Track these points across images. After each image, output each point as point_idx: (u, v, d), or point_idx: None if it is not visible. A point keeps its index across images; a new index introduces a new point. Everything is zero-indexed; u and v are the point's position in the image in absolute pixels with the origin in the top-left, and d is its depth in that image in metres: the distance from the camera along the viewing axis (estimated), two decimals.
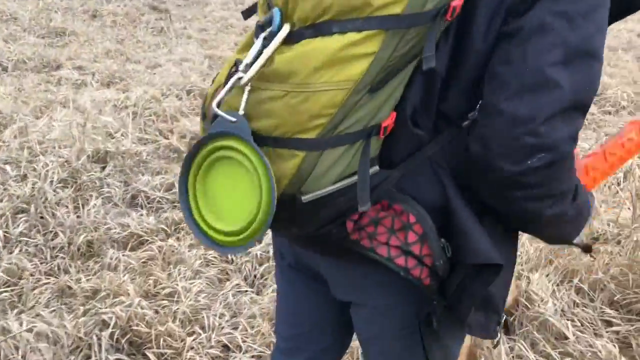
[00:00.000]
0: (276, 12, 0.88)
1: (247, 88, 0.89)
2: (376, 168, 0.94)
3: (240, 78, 0.88)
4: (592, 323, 2.34)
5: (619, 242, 2.87)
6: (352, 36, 0.83)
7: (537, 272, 2.67)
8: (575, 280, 2.54)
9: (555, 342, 2.20)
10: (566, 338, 2.20)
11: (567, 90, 0.85)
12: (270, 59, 0.88)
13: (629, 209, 2.97)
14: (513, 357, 2.08)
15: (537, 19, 0.85)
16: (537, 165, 0.85)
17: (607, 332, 2.29)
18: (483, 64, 0.91)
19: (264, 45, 0.89)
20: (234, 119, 0.88)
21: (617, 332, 2.29)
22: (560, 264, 2.66)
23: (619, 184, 3.32)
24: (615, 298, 2.43)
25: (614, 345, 2.13)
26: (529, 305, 2.37)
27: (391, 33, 0.83)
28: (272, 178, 0.86)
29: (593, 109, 5.71)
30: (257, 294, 2.52)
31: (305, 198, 0.90)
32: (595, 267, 2.57)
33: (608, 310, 2.38)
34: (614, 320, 2.34)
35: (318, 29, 0.85)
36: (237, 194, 0.91)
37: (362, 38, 0.83)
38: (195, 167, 0.93)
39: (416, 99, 0.94)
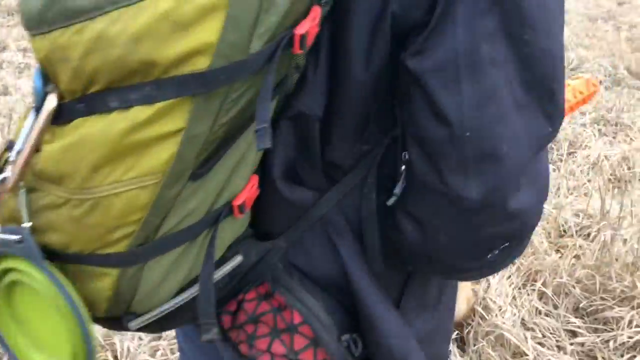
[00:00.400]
0: (37, 74, 0.59)
1: (21, 189, 0.61)
2: (238, 259, 0.69)
3: (4, 179, 0.60)
4: (554, 333, 2.11)
5: (588, 235, 2.64)
6: (141, 111, 0.54)
7: (497, 273, 2.44)
8: (539, 284, 2.30)
9: (513, 359, 1.97)
10: (524, 354, 1.97)
11: (525, 148, 0.60)
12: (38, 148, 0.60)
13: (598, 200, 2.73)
14: None
15: (458, 42, 0.56)
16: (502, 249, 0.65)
17: (571, 344, 2.06)
18: (372, 99, 0.64)
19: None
20: (16, 237, 0.61)
21: (582, 344, 2.06)
22: (522, 264, 2.43)
23: (588, 173, 3.08)
24: (581, 304, 2.20)
25: None
26: (486, 316, 2.13)
27: (202, 99, 0.55)
28: (75, 310, 0.61)
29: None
30: None
31: (133, 325, 0.65)
32: (561, 269, 2.33)
33: (573, 319, 2.15)
34: (578, 330, 2.11)
35: (90, 103, 0.56)
36: (49, 322, 0.66)
37: (156, 113, 0.54)
38: None
39: (288, 150, 0.68)
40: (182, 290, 0.67)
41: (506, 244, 0.63)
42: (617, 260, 2.21)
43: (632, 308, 2.06)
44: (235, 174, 0.64)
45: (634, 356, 1.93)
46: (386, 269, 0.74)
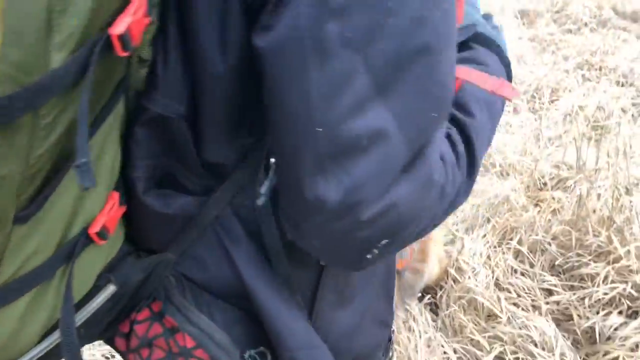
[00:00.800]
0: None
1: None
2: (111, 289, 0.62)
3: None
4: (530, 293, 2.04)
5: (566, 189, 2.56)
6: None
7: (472, 232, 2.36)
8: (514, 242, 2.23)
9: (485, 324, 1.91)
10: (498, 317, 1.91)
11: (398, 138, 0.49)
12: None
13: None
14: (432, 348, 1.78)
15: (301, 16, 0.45)
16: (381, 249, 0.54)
17: (546, 303, 2.00)
18: (239, 93, 0.54)
19: None
20: None
21: (558, 303, 2.00)
22: (498, 222, 2.35)
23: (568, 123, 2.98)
24: (557, 262, 2.13)
25: (549, 324, 1.84)
26: (459, 279, 2.07)
27: (0, 135, 0.44)
28: None
29: (552, 27, 5.29)
30: None
31: None
32: (537, 225, 2.25)
33: (548, 277, 2.08)
34: (554, 288, 2.05)
35: None
36: None
37: None
38: None
39: (154, 159, 0.60)
40: (47, 334, 0.59)
41: (386, 241, 0.54)
42: (594, 213, 2.13)
43: (608, 263, 1.99)
44: (85, 198, 0.55)
45: (610, 312, 1.87)
46: (295, 268, 0.66)
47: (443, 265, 2.11)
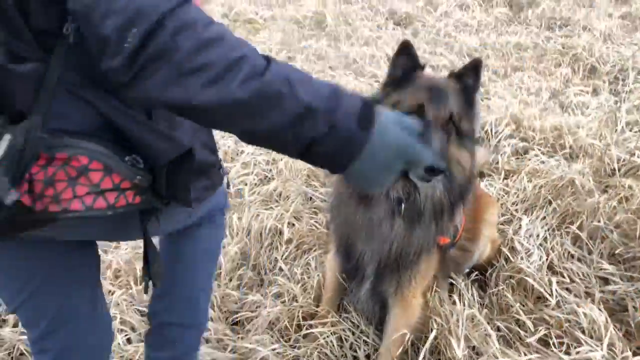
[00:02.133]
0: None
1: None
2: (7, 137, 0.77)
3: None
4: (584, 279, 1.99)
5: (637, 177, 2.43)
6: None
7: (532, 214, 2.30)
8: (574, 227, 2.16)
9: (533, 306, 1.88)
10: (547, 301, 1.87)
11: None
12: None
13: None
14: (475, 323, 1.77)
15: None
16: (135, 44, 0.69)
17: (601, 291, 1.94)
18: None
19: None
20: None
21: (614, 292, 1.94)
22: (559, 205, 2.28)
23: None
24: (618, 251, 2.05)
25: (601, 311, 1.78)
26: (511, 258, 2.03)
27: None
28: None
29: None
30: None
31: None
32: (600, 211, 2.17)
33: (606, 266, 2.01)
34: (611, 277, 1.98)
35: None
36: None
37: None
38: None
39: None
40: None
41: (134, 30, 0.69)
42: None
43: None
44: None
45: None
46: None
47: (495, 246, 2.08)
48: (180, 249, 1.28)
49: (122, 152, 0.87)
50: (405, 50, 1.47)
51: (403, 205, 1.46)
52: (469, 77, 1.47)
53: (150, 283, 1.04)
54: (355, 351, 1.75)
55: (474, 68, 1.47)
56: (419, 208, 1.47)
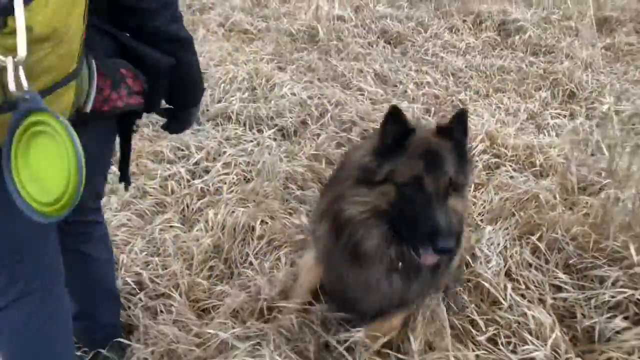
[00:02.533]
0: None
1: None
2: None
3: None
4: (539, 287, 2.08)
5: (599, 192, 2.54)
6: None
7: (496, 224, 2.41)
8: (534, 238, 2.26)
9: (487, 308, 1.97)
10: (501, 304, 1.97)
11: None
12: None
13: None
14: (434, 320, 1.87)
15: None
16: None
17: (554, 298, 2.04)
18: None
19: None
20: (28, 96, 0.93)
21: (565, 300, 2.03)
22: (522, 217, 2.38)
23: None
24: (572, 261, 2.15)
25: (549, 315, 1.88)
26: (471, 263, 2.13)
27: None
28: (76, 143, 0.92)
29: (633, 38, 5.11)
30: (186, 231, 2.38)
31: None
32: (560, 224, 2.27)
33: (561, 275, 2.11)
34: (564, 286, 2.08)
35: None
36: (53, 163, 0.95)
37: None
38: (15, 141, 0.97)
39: None
40: None
41: None
42: (613, 219, 2.13)
43: (621, 269, 2.00)
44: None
45: (614, 315, 1.89)
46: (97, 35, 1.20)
47: (463, 254, 2.18)
48: None
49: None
50: (394, 117, 1.44)
51: (400, 265, 1.51)
52: (458, 131, 1.49)
53: None
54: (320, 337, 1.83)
55: (460, 120, 1.49)
56: (417, 265, 1.50)
